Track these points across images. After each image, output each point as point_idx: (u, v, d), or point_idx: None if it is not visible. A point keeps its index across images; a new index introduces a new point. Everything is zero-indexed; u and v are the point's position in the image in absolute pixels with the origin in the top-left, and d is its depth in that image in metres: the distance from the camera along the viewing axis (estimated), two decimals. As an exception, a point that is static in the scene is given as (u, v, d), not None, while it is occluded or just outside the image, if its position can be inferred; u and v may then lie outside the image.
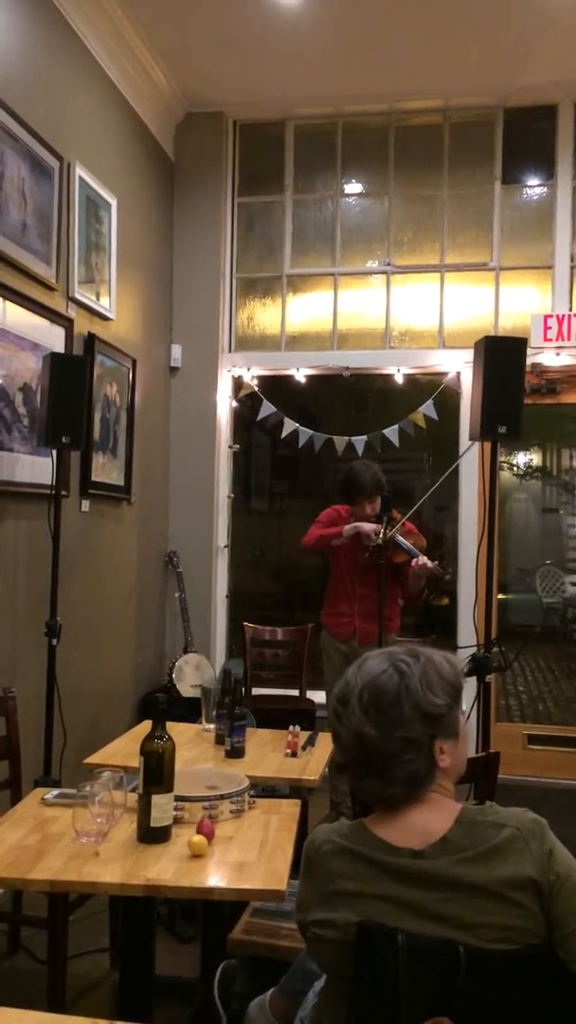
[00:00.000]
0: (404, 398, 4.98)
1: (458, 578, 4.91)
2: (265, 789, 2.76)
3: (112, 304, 4.18)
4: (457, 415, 4.89)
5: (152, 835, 1.89)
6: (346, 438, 4.88)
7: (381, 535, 3.51)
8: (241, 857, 1.86)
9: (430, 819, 1.35)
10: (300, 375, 5.03)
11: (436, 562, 3.73)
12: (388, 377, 4.99)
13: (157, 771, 1.89)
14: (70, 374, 3.21)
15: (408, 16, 4.07)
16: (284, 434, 4.95)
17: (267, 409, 4.96)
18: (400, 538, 3.72)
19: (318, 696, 4.29)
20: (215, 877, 1.77)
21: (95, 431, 4.02)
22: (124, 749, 2.70)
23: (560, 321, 4.64)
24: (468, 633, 4.68)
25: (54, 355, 3.24)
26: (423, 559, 3.68)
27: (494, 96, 4.84)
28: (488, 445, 3.38)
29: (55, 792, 2.22)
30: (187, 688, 4.52)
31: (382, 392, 5.42)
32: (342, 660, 3.84)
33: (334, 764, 1.49)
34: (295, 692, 4.45)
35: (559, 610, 6.39)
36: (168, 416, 5.08)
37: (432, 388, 4.88)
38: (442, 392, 4.86)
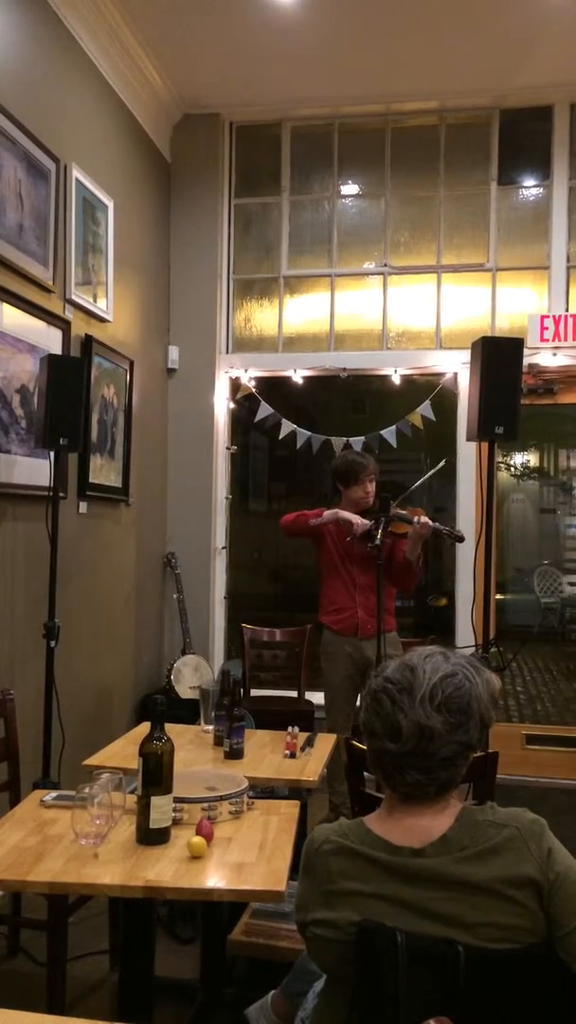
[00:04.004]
0: (401, 399, 4.98)
1: (456, 579, 4.91)
2: (264, 790, 2.76)
3: (109, 306, 4.18)
4: (454, 416, 4.89)
5: (151, 836, 1.89)
6: (344, 439, 4.88)
7: (379, 536, 3.50)
8: (240, 858, 1.86)
9: (432, 819, 1.35)
10: (297, 376, 5.03)
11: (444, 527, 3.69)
12: (385, 378, 4.99)
13: (156, 772, 1.89)
14: (67, 376, 3.21)
15: (404, 18, 4.08)
16: (282, 435, 4.95)
17: (265, 410, 4.96)
18: (398, 511, 3.69)
19: (317, 697, 4.28)
20: (214, 878, 1.77)
21: (93, 433, 4.02)
22: (123, 751, 2.70)
23: (557, 321, 4.65)
24: (466, 633, 4.69)
25: (51, 357, 3.24)
26: (424, 518, 3.62)
27: (490, 97, 4.85)
28: (485, 446, 3.39)
29: (54, 794, 2.22)
30: (186, 690, 4.52)
31: (379, 393, 5.43)
32: (347, 660, 3.81)
33: (371, 751, 1.45)
34: (294, 693, 4.45)
35: (557, 610, 6.41)
36: (166, 418, 5.08)
37: (429, 389, 4.88)
38: (439, 393, 4.86)
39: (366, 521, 3.75)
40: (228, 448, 5.20)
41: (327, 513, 3.82)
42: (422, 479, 3.74)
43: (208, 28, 4.20)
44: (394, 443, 4.83)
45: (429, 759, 1.34)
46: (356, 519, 3.77)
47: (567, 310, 4.78)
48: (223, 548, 5.16)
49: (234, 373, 5.10)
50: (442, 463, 3.79)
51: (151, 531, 4.87)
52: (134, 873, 1.76)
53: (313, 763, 2.65)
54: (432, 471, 3.76)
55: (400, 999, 1.22)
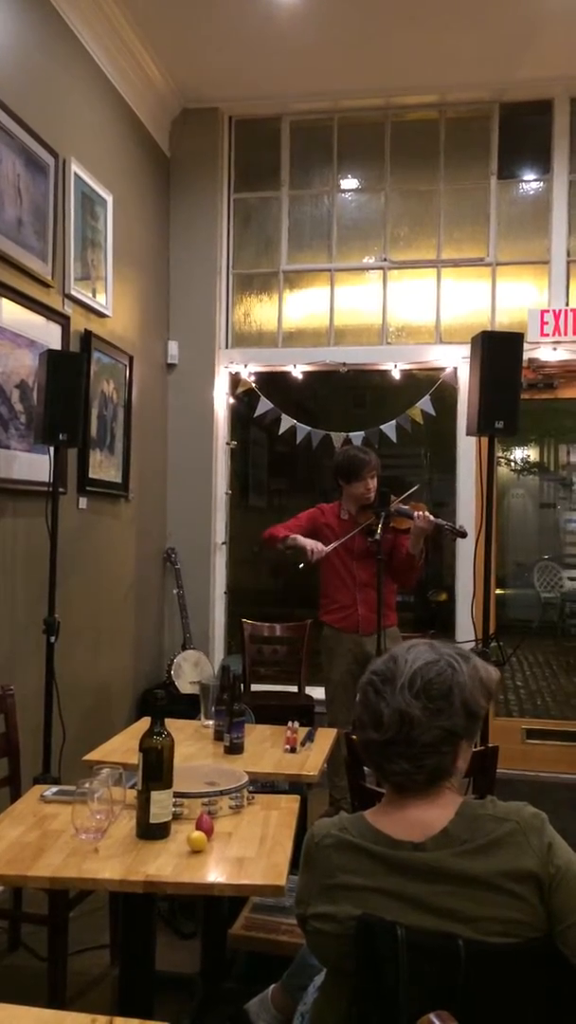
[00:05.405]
0: (401, 394, 4.98)
1: (456, 574, 4.91)
2: (264, 785, 2.76)
3: (108, 301, 4.18)
4: (454, 411, 4.89)
5: (151, 831, 1.89)
6: (343, 434, 4.87)
7: (379, 531, 3.49)
8: (240, 853, 1.86)
9: (432, 812, 1.35)
10: (297, 371, 5.02)
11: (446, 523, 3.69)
12: (385, 373, 4.98)
13: (156, 767, 1.89)
14: (67, 371, 3.20)
15: (404, 11, 4.06)
16: (282, 430, 4.95)
17: (264, 406, 4.95)
18: (400, 506, 3.68)
19: (317, 692, 4.29)
20: (214, 873, 1.77)
21: (92, 428, 4.02)
22: (123, 746, 2.70)
23: (557, 316, 4.64)
24: (466, 628, 4.69)
25: (51, 352, 3.23)
26: (425, 513, 3.62)
27: (490, 91, 4.84)
28: (485, 440, 3.38)
29: (54, 789, 2.22)
30: (186, 685, 4.53)
31: (379, 388, 5.42)
32: (348, 656, 3.81)
33: (360, 743, 1.47)
34: (294, 688, 4.45)
35: (557, 605, 6.41)
36: (165, 413, 5.08)
37: (429, 384, 4.88)
38: (439, 388, 4.86)
39: (322, 548, 3.74)
40: (228, 443, 5.19)
41: (289, 539, 3.81)
42: (405, 494, 3.75)
43: (207, 22, 4.18)
44: (394, 438, 4.82)
45: (411, 746, 1.35)
46: (312, 545, 3.75)
47: (567, 305, 4.77)
48: (223, 543, 5.16)
49: (234, 368, 5.09)
50: (415, 487, 3.83)
51: (151, 526, 4.87)
52: (134, 868, 1.76)
53: (313, 758, 2.65)
54: (409, 492, 3.77)
55: (400, 993, 1.22)
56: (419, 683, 1.36)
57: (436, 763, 1.36)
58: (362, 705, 1.42)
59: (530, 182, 4.94)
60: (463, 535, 3.74)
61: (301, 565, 3.81)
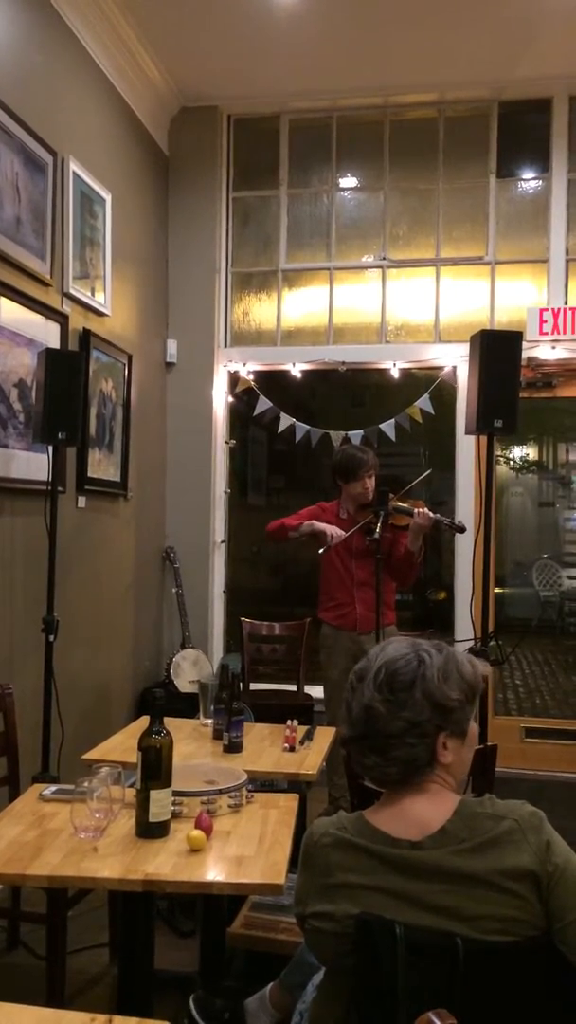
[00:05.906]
0: (400, 393, 4.98)
1: (455, 572, 4.91)
2: (263, 783, 2.76)
3: (107, 300, 4.17)
4: (453, 409, 4.89)
5: (150, 830, 1.89)
6: (342, 433, 4.87)
7: (378, 530, 3.49)
8: (239, 851, 1.86)
9: (429, 810, 1.35)
10: (296, 370, 5.02)
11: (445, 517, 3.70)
12: (384, 372, 4.98)
13: (155, 766, 1.89)
14: (65, 370, 3.20)
15: (403, 9, 4.06)
16: (280, 429, 4.95)
17: (263, 404, 4.96)
18: (398, 504, 3.68)
19: (316, 691, 4.29)
20: (214, 871, 1.77)
21: (91, 427, 4.02)
22: (122, 744, 2.70)
23: (556, 315, 4.64)
24: (465, 627, 4.68)
25: (49, 351, 3.23)
26: (424, 510, 3.62)
27: (489, 90, 4.83)
28: (484, 439, 3.38)
29: (53, 788, 2.22)
30: (185, 683, 4.53)
31: (378, 387, 5.42)
32: (346, 654, 3.81)
33: (340, 740, 1.50)
34: (293, 687, 4.46)
35: (556, 604, 6.41)
36: (164, 412, 5.07)
37: (428, 382, 4.88)
38: (438, 386, 4.86)
39: (341, 532, 3.74)
40: (227, 442, 5.19)
41: (304, 525, 3.81)
42: (415, 481, 3.75)
43: (206, 20, 4.18)
44: (393, 437, 4.82)
45: (376, 738, 1.37)
46: (331, 530, 3.75)
47: (566, 303, 4.77)
48: (222, 542, 5.16)
49: (233, 367, 5.09)
50: (427, 472, 3.85)
51: (150, 525, 4.87)
52: (133, 867, 1.76)
53: (312, 756, 2.65)
54: (420, 478, 3.78)
55: (399, 991, 1.22)
56: (383, 676, 1.39)
57: (405, 755, 1.37)
58: (343, 704, 1.45)
59: (529, 181, 4.94)
60: (462, 530, 3.74)
61: (321, 551, 3.80)
